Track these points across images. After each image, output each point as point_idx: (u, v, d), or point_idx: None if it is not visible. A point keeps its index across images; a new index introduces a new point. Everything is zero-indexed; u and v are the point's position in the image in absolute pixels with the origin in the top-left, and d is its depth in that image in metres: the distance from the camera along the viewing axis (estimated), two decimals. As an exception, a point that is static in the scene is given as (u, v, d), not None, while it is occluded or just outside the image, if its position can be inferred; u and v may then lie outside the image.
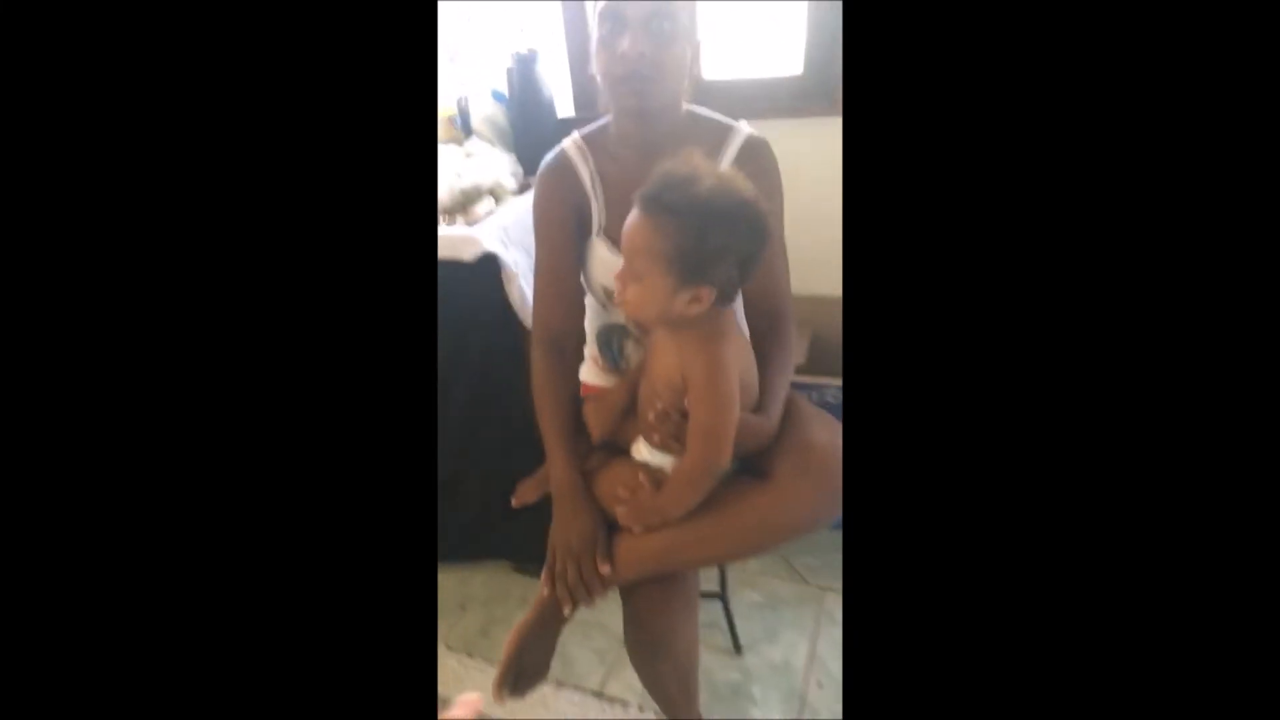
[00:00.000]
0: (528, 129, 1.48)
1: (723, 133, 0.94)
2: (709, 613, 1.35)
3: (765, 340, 0.94)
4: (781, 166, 1.40)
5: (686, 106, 0.96)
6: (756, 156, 0.93)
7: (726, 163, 0.93)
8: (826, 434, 0.81)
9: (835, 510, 0.79)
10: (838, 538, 1.57)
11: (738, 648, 1.34)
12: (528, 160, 1.49)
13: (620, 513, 0.82)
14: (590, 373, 1.06)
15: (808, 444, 0.80)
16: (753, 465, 0.82)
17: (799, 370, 1.44)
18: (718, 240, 0.69)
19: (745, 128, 0.95)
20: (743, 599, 1.46)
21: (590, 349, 1.05)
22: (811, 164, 1.43)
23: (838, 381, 1.38)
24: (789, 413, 0.86)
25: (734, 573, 1.46)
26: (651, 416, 0.81)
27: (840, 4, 1.22)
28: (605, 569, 0.81)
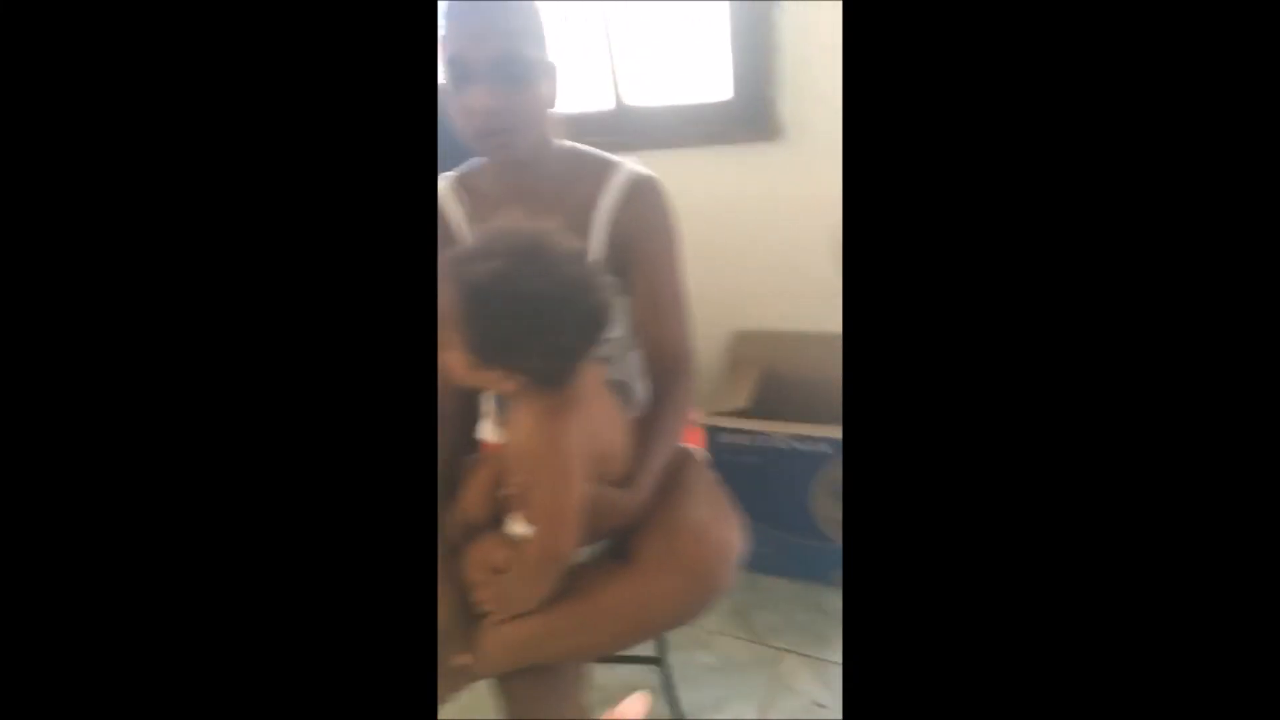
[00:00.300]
0: (446, 160, 1.40)
1: (603, 171, 0.85)
2: (653, 675, 1.24)
3: (654, 398, 0.85)
4: (713, 197, 1.31)
5: (564, 143, 0.88)
6: (641, 197, 0.85)
7: (606, 205, 0.84)
8: (704, 511, 0.72)
9: (706, 601, 0.68)
10: (801, 590, 1.47)
11: (679, 718, 1.23)
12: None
13: (478, 598, 0.72)
14: (489, 429, 0.97)
15: (677, 524, 0.70)
16: (620, 546, 0.73)
17: (741, 415, 1.34)
18: (507, 329, 0.59)
19: (629, 165, 0.86)
20: (692, 660, 1.35)
21: (488, 404, 0.97)
22: (745, 194, 1.34)
23: (788, 428, 1.28)
24: (671, 484, 0.76)
25: (684, 631, 1.35)
26: (510, 489, 0.71)
27: (766, 29, 1.14)
28: (464, 661, 0.72)
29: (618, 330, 0.92)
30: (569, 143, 0.90)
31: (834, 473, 1.28)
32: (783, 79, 1.20)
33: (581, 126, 1.37)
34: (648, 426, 0.78)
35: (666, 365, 0.89)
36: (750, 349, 1.48)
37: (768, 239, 1.37)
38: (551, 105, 0.79)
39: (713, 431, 1.31)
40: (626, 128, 1.33)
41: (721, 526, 0.72)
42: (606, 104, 1.33)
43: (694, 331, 0.94)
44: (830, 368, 1.44)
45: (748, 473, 1.36)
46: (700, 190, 1.37)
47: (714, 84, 1.25)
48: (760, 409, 1.40)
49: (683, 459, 0.85)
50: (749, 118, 1.23)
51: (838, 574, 1.41)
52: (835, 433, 1.24)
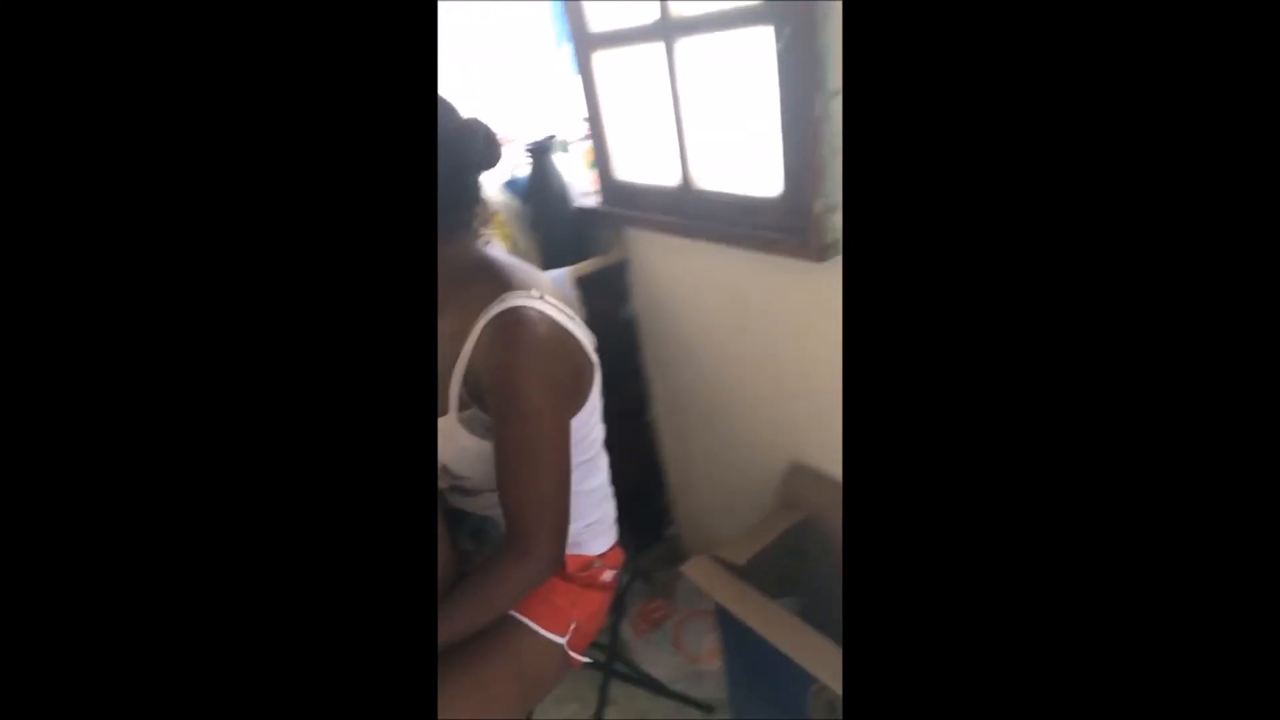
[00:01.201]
0: (540, 218, 1.39)
1: (489, 298, 0.78)
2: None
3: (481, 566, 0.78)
4: (780, 307, 1.09)
5: (489, 253, 0.82)
6: (497, 339, 0.77)
7: (471, 341, 0.77)
8: None
9: None
10: None
11: None
12: (545, 249, 1.41)
13: None
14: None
15: None
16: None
17: (746, 569, 1.11)
18: None
19: (511, 299, 0.76)
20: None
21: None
22: (809, 310, 1.09)
23: (775, 629, 1.02)
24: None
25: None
26: None
27: (815, 121, 0.89)
28: None
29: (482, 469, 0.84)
30: (494, 254, 0.83)
31: (830, 694, 1.00)
32: (831, 190, 0.93)
33: (649, 199, 1.24)
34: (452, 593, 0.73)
35: (507, 532, 0.79)
36: (799, 486, 1.21)
37: (827, 367, 1.09)
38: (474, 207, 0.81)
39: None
40: (690, 209, 1.17)
41: None
42: (674, 180, 1.18)
43: (550, 498, 0.81)
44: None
45: (750, 639, 1.14)
46: (765, 298, 1.15)
47: (769, 181, 1.02)
48: (777, 567, 1.16)
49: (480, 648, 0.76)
50: (795, 225, 0.98)
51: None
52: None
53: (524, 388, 0.74)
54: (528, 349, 0.75)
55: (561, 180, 1.37)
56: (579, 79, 1.28)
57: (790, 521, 1.19)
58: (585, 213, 1.40)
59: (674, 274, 1.34)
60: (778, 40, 0.89)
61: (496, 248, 0.88)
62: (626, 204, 1.33)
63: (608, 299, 1.46)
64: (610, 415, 1.55)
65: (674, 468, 1.66)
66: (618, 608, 1.16)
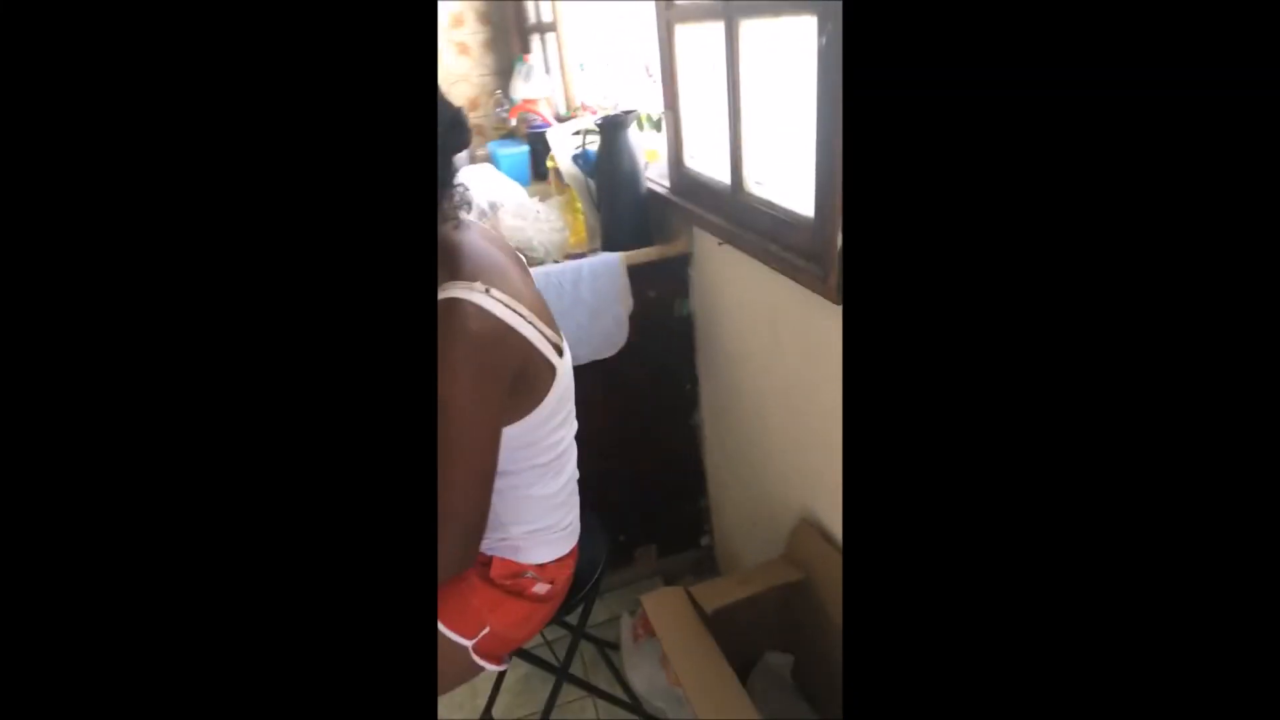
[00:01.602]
0: (604, 197, 1.32)
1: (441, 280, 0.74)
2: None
3: None
4: (810, 344, 0.99)
5: (461, 237, 0.80)
6: (441, 321, 0.73)
7: None
8: None
9: None
10: None
11: None
12: (606, 230, 1.34)
13: None
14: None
15: None
16: None
17: (714, 619, 1.01)
18: None
19: (452, 289, 0.73)
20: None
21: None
22: (815, 350, 0.95)
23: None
24: None
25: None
26: None
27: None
28: None
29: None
30: (461, 239, 0.79)
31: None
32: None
33: (707, 195, 1.13)
34: None
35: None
36: (803, 544, 1.07)
37: (834, 419, 0.94)
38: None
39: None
40: (737, 213, 1.04)
41: None
42: (727, 178, 1.05)
43: (455, 499, 0.76)
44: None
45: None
46: (793, 329, 1.01)
47: (805, 201, 0.88)
48: (765, 620, 1.04)
49: None
50: (820, 253, 0.83)
51: None
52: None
53: (440, 382, 0.70)
54: (452, 343, 0.70)
55: (633, 159, 1.29)
56: (661, 54, 1.18)
57: (785, 579, 1.06)
58: (652, 197, 1.31)
59: (726, 279, 1.23)
60: (820, 35, 0.74)
61: (471, 232, 0.83)
62: (690, 195, 1.22)
63: (663, 291, 1.37)
64: (656, 410, 1.48)
65: (714, 479, 1.56)
66: (580, 618, 1.11)
